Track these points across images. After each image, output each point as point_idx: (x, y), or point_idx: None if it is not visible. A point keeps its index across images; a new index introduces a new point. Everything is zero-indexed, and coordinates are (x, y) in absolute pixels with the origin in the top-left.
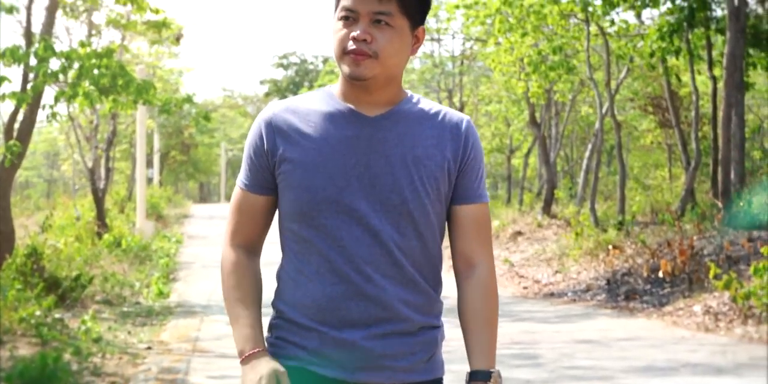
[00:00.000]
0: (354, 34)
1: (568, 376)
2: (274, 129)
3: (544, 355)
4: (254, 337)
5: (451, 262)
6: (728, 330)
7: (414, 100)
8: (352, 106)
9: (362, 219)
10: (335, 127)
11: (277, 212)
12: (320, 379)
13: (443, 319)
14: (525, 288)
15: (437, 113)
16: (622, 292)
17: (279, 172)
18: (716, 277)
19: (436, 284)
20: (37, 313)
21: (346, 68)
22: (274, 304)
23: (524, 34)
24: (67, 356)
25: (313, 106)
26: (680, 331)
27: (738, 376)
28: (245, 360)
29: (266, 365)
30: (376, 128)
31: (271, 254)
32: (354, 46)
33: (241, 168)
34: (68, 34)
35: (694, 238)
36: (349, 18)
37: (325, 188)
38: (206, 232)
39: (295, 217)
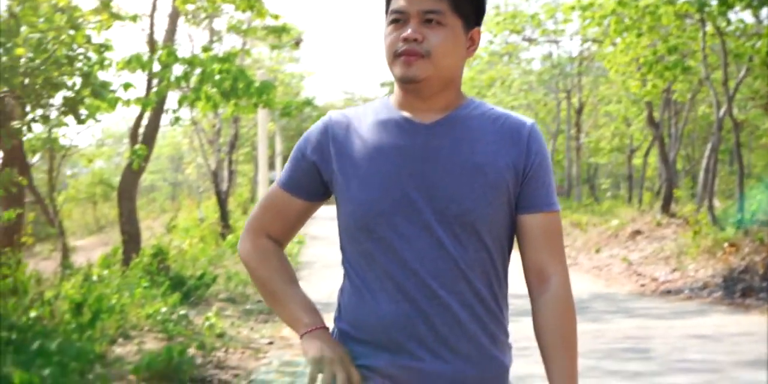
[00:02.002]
0: (404, 34)
1: (677, 368)
2: (329, 138)
3: (656, 349)
4: (317, 313)
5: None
6: None
7: (474, 105)
8: (406, 114)
9: (422, 231)
10: (389, 136)
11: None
12: None
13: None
14: (642, 286)
15: (498, 118)
16: (738, 290)
17: (333, 185)
18: None
19: (503, 300)
20: (163, 309)
21: (398, 70)
22: (335, 324)
23: (639, 35)
24: (191, 350)
25: (368, 116)
26: None
27: None
28: (315, 332)
29: (339, 346)
30: (431, 136)
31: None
32: (405, 47)
33: (284, 168)
34: (190, 40)
35: None
36: (399, 20)
37: (381, 201)
38: (328, 232)
39: (353, 231)
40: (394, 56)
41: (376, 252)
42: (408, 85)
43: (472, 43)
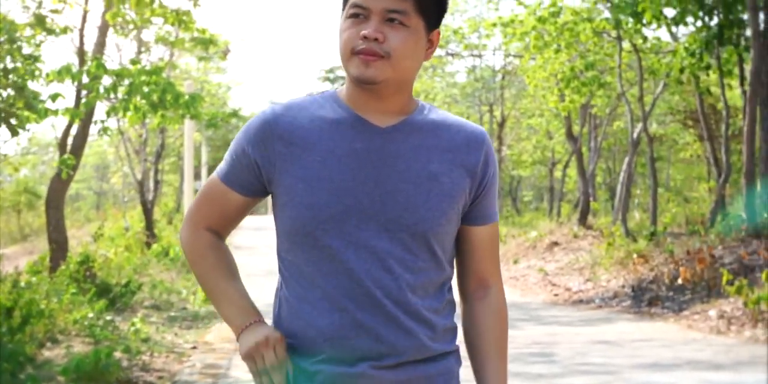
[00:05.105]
0: (365, 32)
1: (578, 370)
2: (273, 135)
3: (560, 353)
4: (253, 308)
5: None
6: (738, 333)
7: (426, 111)
8: (360, 115)
9: (371, 240)
10: (342, 137)
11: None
12: None
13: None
14: (556, 295)
15: (453, 125)
16: (645, 299)
17: (274, 185)
18: (729, 283)
19: (451, 307)
20: (90, 315)
21: (354, 70)
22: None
23: (558, 51)
24: (117, 354)
25: (317, 111)
26: (693, 334)
27: (735, 372)
28: (246, 330)
29: (269, 328)
30: (388, 140)
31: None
32: (364, 46)
33: (225, 160)
34: (118, 50)
35: (720, 247)
36: (360, 15)
37: (330, 206)
38: (253, 242)
39: (296, 237)
40: (351, 53)
41: (320, 261)
42: (364, 85)
43: (431, 45)
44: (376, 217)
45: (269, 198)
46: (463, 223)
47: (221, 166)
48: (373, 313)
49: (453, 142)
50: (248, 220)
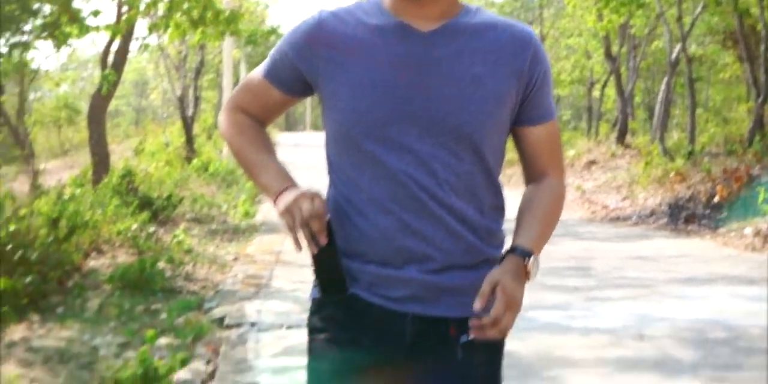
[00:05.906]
0: None
1: (613, 284)
2: (318, 41)
3: (597, 267)
4: (291, 176)
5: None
6: None
7: (472, 12)
8: (402, 20)
9: (414, 144)
10: (384, 42)
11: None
12: (368, 306)
13: None
14: (593, 213)
15: (498, 25)
16: (682, 216)
17: (320, 89)
18: (766, 201)
19: (498, 212)
20: (134, 226)
21: None
22: None
23: None
24: (161, 264)
25: (362, 17)
26: (729, 251)
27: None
28: (282, 194)
29: (304, 189)
30: (430, 44)
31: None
32: None
33: (270, 56)
34: None
35: (758, 167)
36: None
37: (372, 111)
38: (291, 159)
39: (341, 141)
40: None
41: (364, 164)
42: None
43: None
44: (419, 121)
45: (307, 115)
46: (517, 124)
47: (266, 61)
48: (418, 216)
49: (497, 43)
50: (286, 137)
